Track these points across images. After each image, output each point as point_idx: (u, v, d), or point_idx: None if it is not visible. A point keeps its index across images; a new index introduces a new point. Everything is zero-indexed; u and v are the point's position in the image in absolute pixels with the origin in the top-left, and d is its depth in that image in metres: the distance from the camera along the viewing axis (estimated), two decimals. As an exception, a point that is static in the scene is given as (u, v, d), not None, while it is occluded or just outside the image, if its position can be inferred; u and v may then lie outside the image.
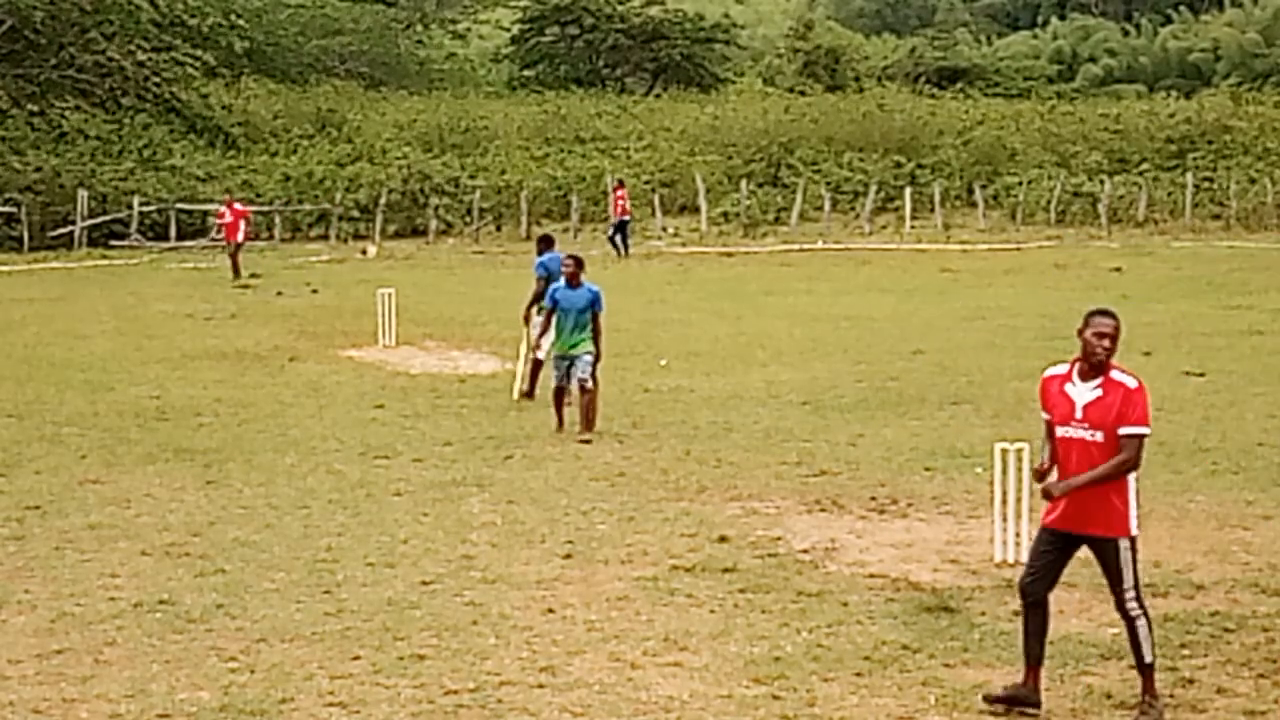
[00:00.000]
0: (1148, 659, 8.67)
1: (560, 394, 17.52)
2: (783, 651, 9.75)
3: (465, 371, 22.36)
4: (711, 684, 9.20)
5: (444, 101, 72.33)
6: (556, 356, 17.53)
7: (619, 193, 46.72)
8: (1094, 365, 8.80)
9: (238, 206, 39.46)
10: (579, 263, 17.77)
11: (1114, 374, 8.79)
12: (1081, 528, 8.71)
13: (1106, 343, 8.80)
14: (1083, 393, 8.75)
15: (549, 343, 18.46)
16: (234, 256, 37.89)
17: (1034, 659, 8.81)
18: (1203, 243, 48.01)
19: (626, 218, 46.22)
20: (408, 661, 9.62)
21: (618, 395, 20.03)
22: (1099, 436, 8.65)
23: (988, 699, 8.77)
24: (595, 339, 17.43)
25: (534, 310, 19.38)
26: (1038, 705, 8.73)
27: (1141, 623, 8.68)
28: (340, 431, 17.56)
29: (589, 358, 17.26)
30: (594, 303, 17.40)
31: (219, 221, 40.31)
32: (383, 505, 13.97)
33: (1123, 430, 8.64)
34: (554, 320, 17.55)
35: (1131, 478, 8.71)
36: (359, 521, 13.34)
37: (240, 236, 38.45)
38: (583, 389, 17.12)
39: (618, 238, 45.51)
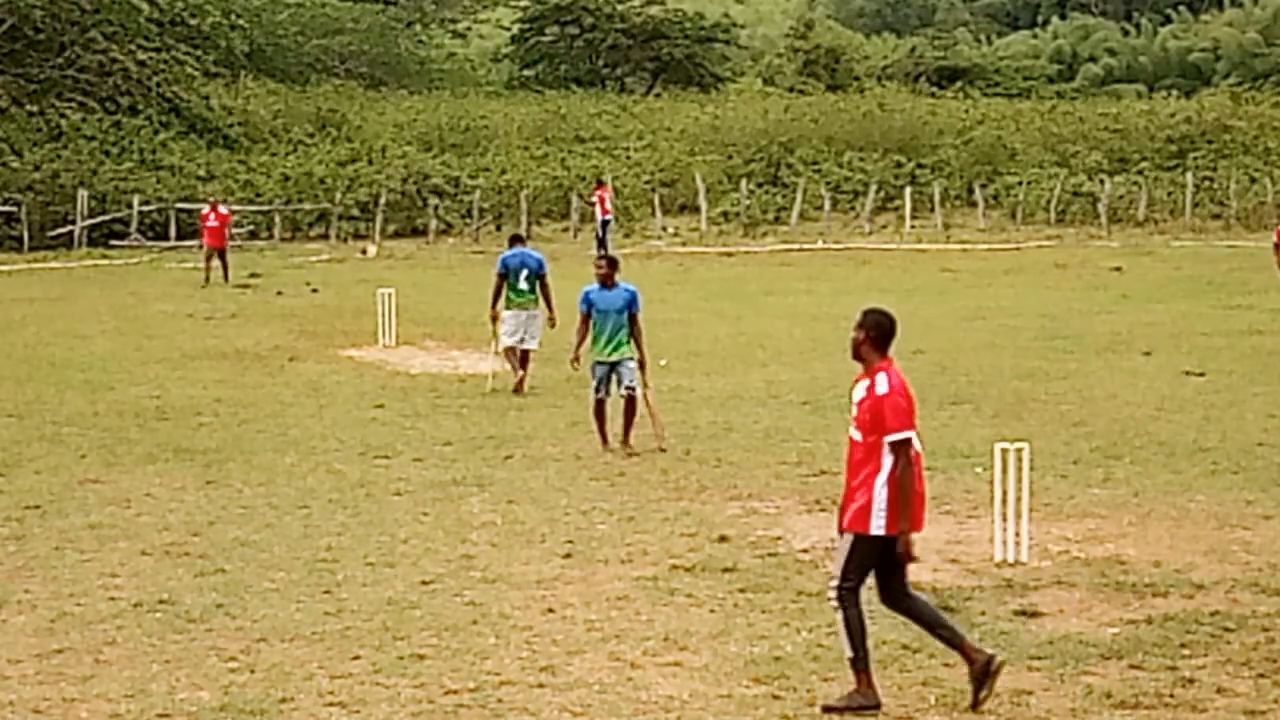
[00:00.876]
0: (846, 653, 8.78)
1: (601, 407, 16.47)
2: (783, 651, 9.75)
3: (465, 371, 22.37)
4: (711, 684, 9.20)
5: (444, 101, 72.34)
6: (595, 364, 16.48)
7: (600, 193, 46.76)
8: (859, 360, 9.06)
9: (222, 210, 38.14)
10: (613, 262, 16.99)
11: (879, 375, 8.89)
12: (847, 524, 8.84)
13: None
14: (857, 390, 8.99)
15: (507, 332, 20.73)
16: (223, 259, 36.67)
17: (956, 643, 8.90)
18: (1203, 242, 48.01)
19: (608, 217, 46.21)
20: (408, 661, 9.62)
21: (618, 396, 20.02)
22: (859, 436, 8.86)
23: (826, 710, 8.78)
24: (637, 342, 16.52)
25: (498, 307, 20.88)
26: (878, 705, 8.78)
27: (839, 615, 8.78)
28: (340, 431, 17.56)
29: (633, 363, 16.40)
30: (631, 303, 16.52)
31: (204, 224, 38.03)
32: (383, 505, 13.98)
33: (888, 438, 8.76)
34: (591, 326, 16.53)
35: (881, 479, 8.74)
36: (359, 521, 13.34)
37: (225, 241, 37.34)
38: (630, 398, 16.34)
39: (605, 237, 45.67)
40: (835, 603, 8.77)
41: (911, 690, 9.06)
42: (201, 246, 38.86)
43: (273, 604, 10.88)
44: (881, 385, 8.75)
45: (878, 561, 8.77)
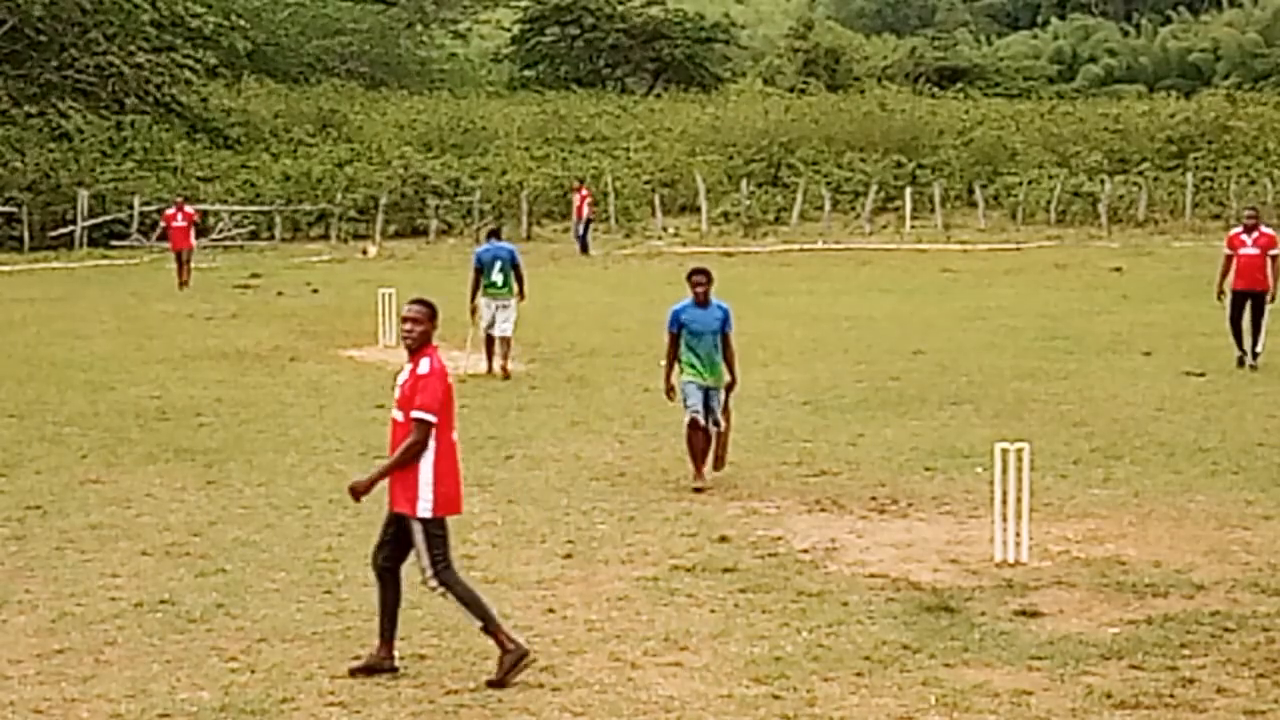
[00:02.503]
0: (475, 625, 9.32)
1: (697, 429, 14.74)
2: (783, 651, 9.76)
3: (465, 371, 22.34)
4: (712, 684, 9.21)
5: (444, 102, 72.36)
6: (691, 385, 14.75)
7: (582, 193, 46.95)
8: (408, 348, 9.69)
9: (189, 210, 36.83)
10: (710, 278, 15.11)
11: (423, 359, 9.61)
12: (394, 505, 9.44)
13: (406, 326, 9.78)
14: (402, 374, 9.65)
15: (484, 321, 22.14)
16: (186, 263, 35.11)
17: (385, 635, 9.42)
18: (1203, 242, 47.96)
19: (589, 219, 46.51)
20: (409, 661, 9.62)
21: (618, 396, 20.06)
22: (400, 417, 9.48)
23: (352, 672, 9.33)
24: (729, 364, 14.99)
25: (477, 298, 22.27)
26: (394, 669, 9.34)
27: (450, 597, 9.33)
28: (341, 431, 17.56)
29: (723, 393, 14.94)
30: (725, 322, 14.96)
31: (168, 224, 35.90)
32: (383, 505, 13.90)
33: (413, 414, 9.39)
34: (682, 346, 14.83)
35: (427, 461, 9.31)
36: (359, 521, 13.32)
37: (191, 242, 35.91)
38: (715, 428, 14.80)
39: (587, 238, 45.90)
40: (440, 590, 9.30)
41: (911, 690, 9.07)
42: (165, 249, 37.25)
43: (273, 604, 10.88)
44: (423, 367, 9.47)
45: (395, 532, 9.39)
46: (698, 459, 14.71)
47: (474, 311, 22.32)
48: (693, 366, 14.79)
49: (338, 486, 14.65)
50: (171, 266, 36.03)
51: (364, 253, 46.47)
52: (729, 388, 14.94)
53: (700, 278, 14.99)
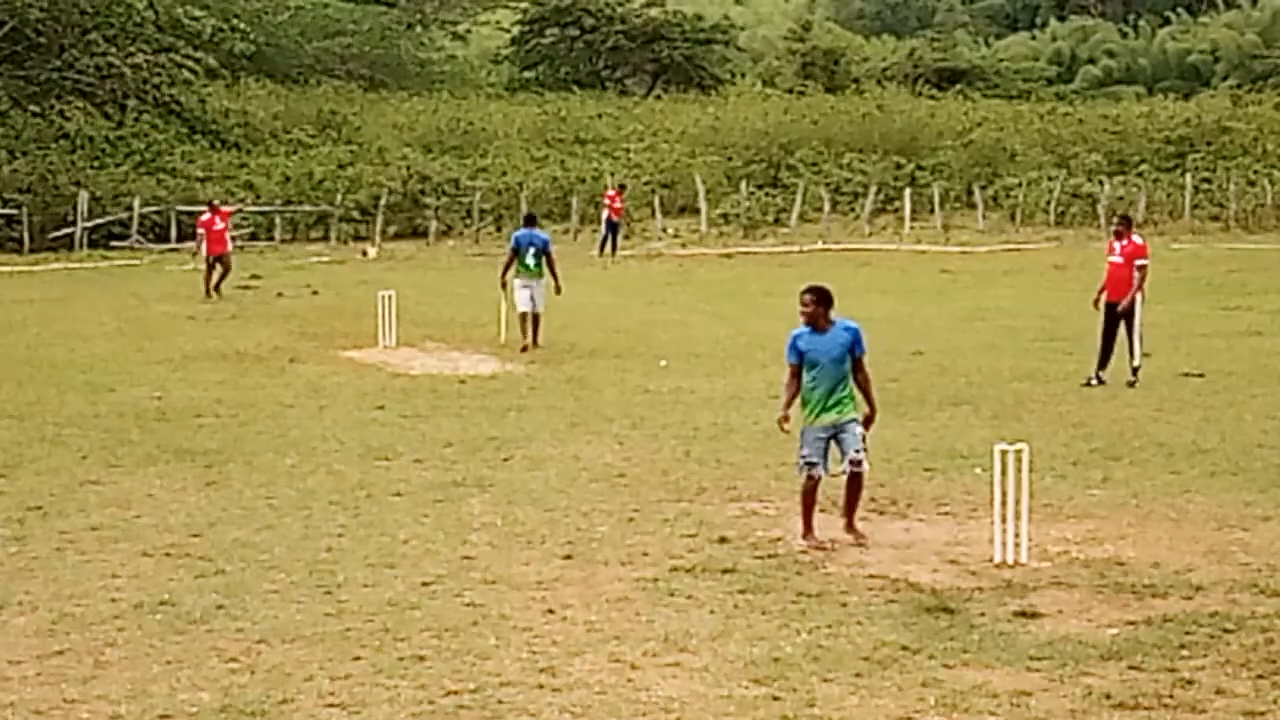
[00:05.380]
0: None
1: (814, 488, 12.59)
2: (782, 652, 9.76)
3: (465, 373, 22.38)
4: (711, 685, 9.21)
5: (444, 103, 72.40)
6: (809, 431, 12.60)
7: (611, 195, 47.38)
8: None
9: (225, 209, 36.18)
10: (821, 297, 12.61)
11: None
12: None
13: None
14: None
15: (521, 300, 24.59)
16: (228, 265, 34.02)
17: None
18: (1202, 244, 48.04)
19: (616, 220, 46.82)
20: (408, 662, 9.63)
21: (618, 396, 20.08)
22: None
23: None
24: (865, 393, 12.69)
25: (508, 274, 25.00)
26: None
27: None
28: (341, 432, 17.57)
29: (858, 427, 12.52)
30: (854, 345, 12.55)
31: (207, 229, 34.22)
32: (383, 506, 13.99)
33: None
34: (804, 379, 12.59)
35: None
36: (359, 522, 13.36)
37: (228, 247, 34.59)
38: (854, 468, 12.50)
39: (610, 237, 46.16)
40: None
41: (911, 691, 9.07)
42: (196, 253, 36.10)
43: (273, 605, 10.89)
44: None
45: None
46: (809, 511, 12.61)
47: (504, 285, 25.13)
48: (808, 404, 12.56)
49: (337, 488, 14.70)
50: (170, 268, 35.92)
51: (364, 254, 46.50)
52: (868, 421, 12.66)
53: (808, 297, 12.59)
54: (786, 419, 12.81)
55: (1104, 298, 21.18)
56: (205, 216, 34.98)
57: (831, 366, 12.50)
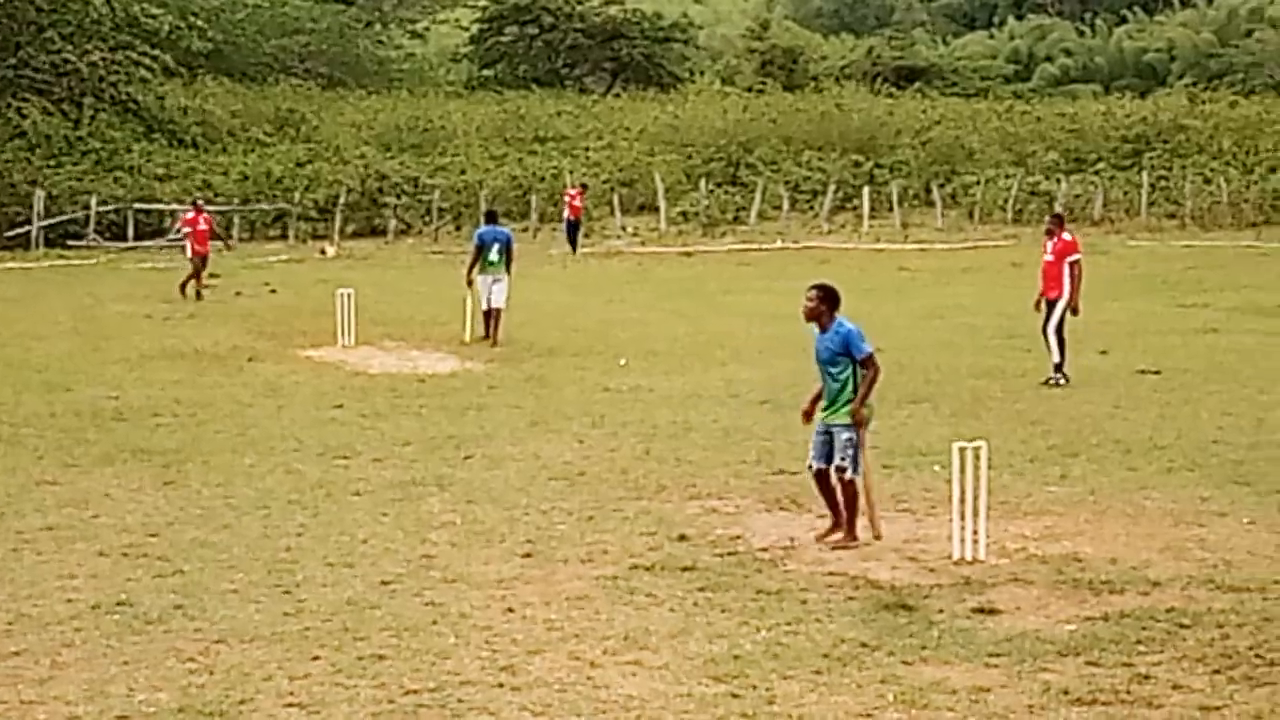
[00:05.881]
0: None
1: (820, 478, 12.55)
2: (742, 650, 9.77)
3: (424, 371, 22.35)
4: (671, 682, 9.22)
5: (403, 101, 72.20)
6: (816, 431, 12.65)
7: (571, 193, 47.47)
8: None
9: (207, 210, 35.64)
10: (826, 295, 12.53)
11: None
12: None
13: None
14: None
15: (482, 295, 25.18)
16: (204, 270, 33.32)
17: None
18: (1158, 241, 48.28)
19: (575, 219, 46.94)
20: (367, 661, 9.61)
21: (577, 395, 20.07)
22: None
23: None
24: (859, 388, 12.40)
25: (474, 272, 25.45)
26: None
27: None
28: (299, 431, 17.52)
29: (845, 433, 12.32)
30: (845, 347, 12.38)
31: (187, 228, 33.97)
32: (342, 505, 13.96)
33: None
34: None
35: None
36: (318, 522, 13.32)
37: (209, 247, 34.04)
38: (837, 474, 12.41)
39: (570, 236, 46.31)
40: None
41: (870, 688, 9.09)
42: (184, 250, 34.85)
43: (231, 605, 10.85)
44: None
45: None
46: (834, 503, 12.49)
47: (470, 283, 25.50)
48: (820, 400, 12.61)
49: (296, 487, 14.65)
50: (127, 267, 35.69)
51: (322, 252, 46.37)
52: (859, 424, 12.36)
53: (811, 294, 12.52)
54: (806, 414, 12.77)
55: (1043, 298, 21.21)
56: (189, 215, 34.62)
57: (822, 367, 12.52)
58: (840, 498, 12.44)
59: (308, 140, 61.57)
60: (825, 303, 12.47)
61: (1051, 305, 20.92)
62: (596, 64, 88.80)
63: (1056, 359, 20.61)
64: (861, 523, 12.49)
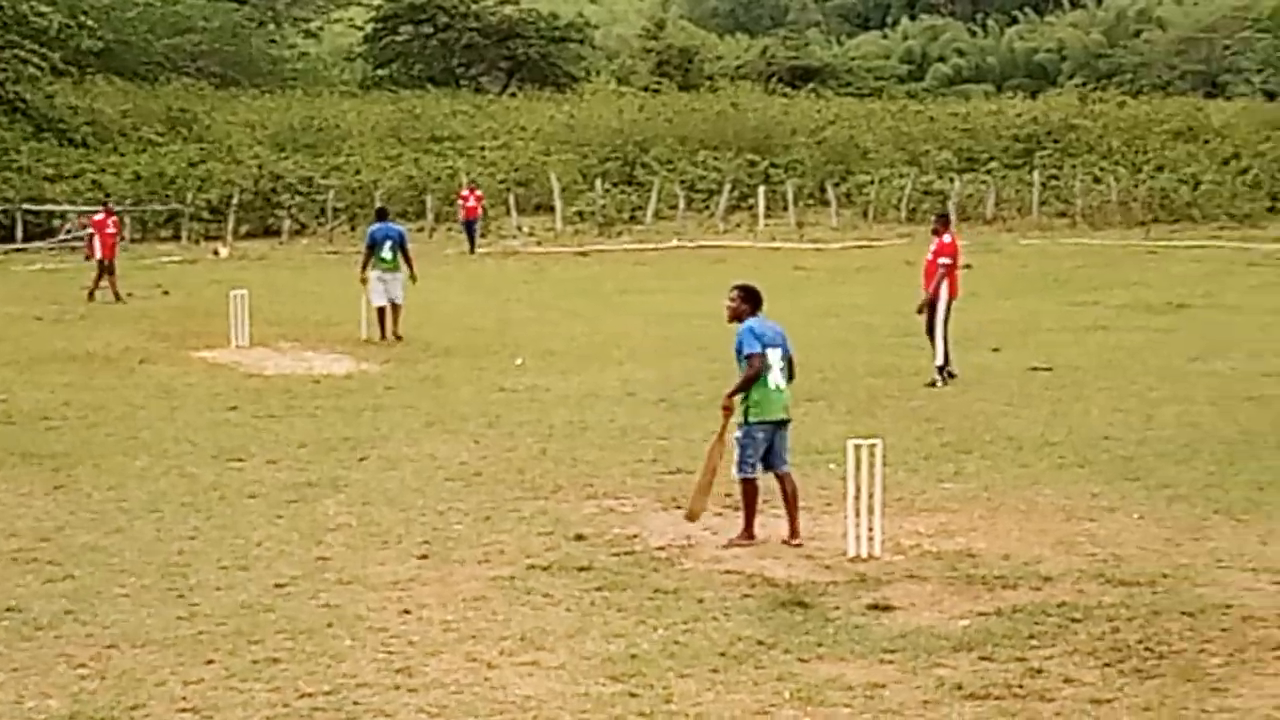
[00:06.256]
0: None
1: (755, 487, 12.63)
2: (639, 649, 9.79)
3: (320, 372, 22.20)
4: (568, 682, 9.22)
5: (297, 100, 71.70)
6: (757, 426, 12.63)
7: (463, 194, 47.48)
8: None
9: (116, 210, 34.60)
10: (747, 295, 12.78)
11: None
12: None
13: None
14: None
15: (376, 292, 25.31)
16: (113, 274, 32.50)
17: None
18: (1049, 240, 48.77)
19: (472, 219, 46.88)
20: (262, 665, 9.54)
21: (474, 395, 20.02)
22: None
23: None
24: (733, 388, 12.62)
25: (366, 270, 25.55)
26: None
27: None
28: (193, 434, 17.36)
29: (739, 432, 12.58)
30: (739, 346, 12.64)
31: (93, 230, 33.45)
32: (236, 508, 13.84)
33: None
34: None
35: None
36: (212, 525, 13.21)
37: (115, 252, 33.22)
38: (790, 478, 12.76)
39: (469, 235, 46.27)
40: None
41: (767, 685, 9.13)
42: (89, 258, 34.27)
43: (123, 610, 10.73)
44: None
45: None
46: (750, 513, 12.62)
47: (364, 281, 25.60)
48: (762, 401, 12.63)
49: (190, 490, 14.52)
50: (15, 269, 35.21)
51: (215, 253, 45.97)
52: (726, 413, 12.57)
53: (734, 293, 12.84)
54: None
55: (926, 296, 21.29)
56: (98, 217, 34.06)
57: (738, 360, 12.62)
58: (787, 495, 12.64)
59: (200, 140, 60.99)
60: (747, 302, 12.67)
61: (932, 305, 21.05)
62: (492, 63, 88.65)
63: (939, 361, 20.74)
64: (787, 521, 12.54)
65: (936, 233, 21.53)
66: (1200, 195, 55.75)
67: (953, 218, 52.36)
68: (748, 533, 12.49)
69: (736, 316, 12.69)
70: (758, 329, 12.52)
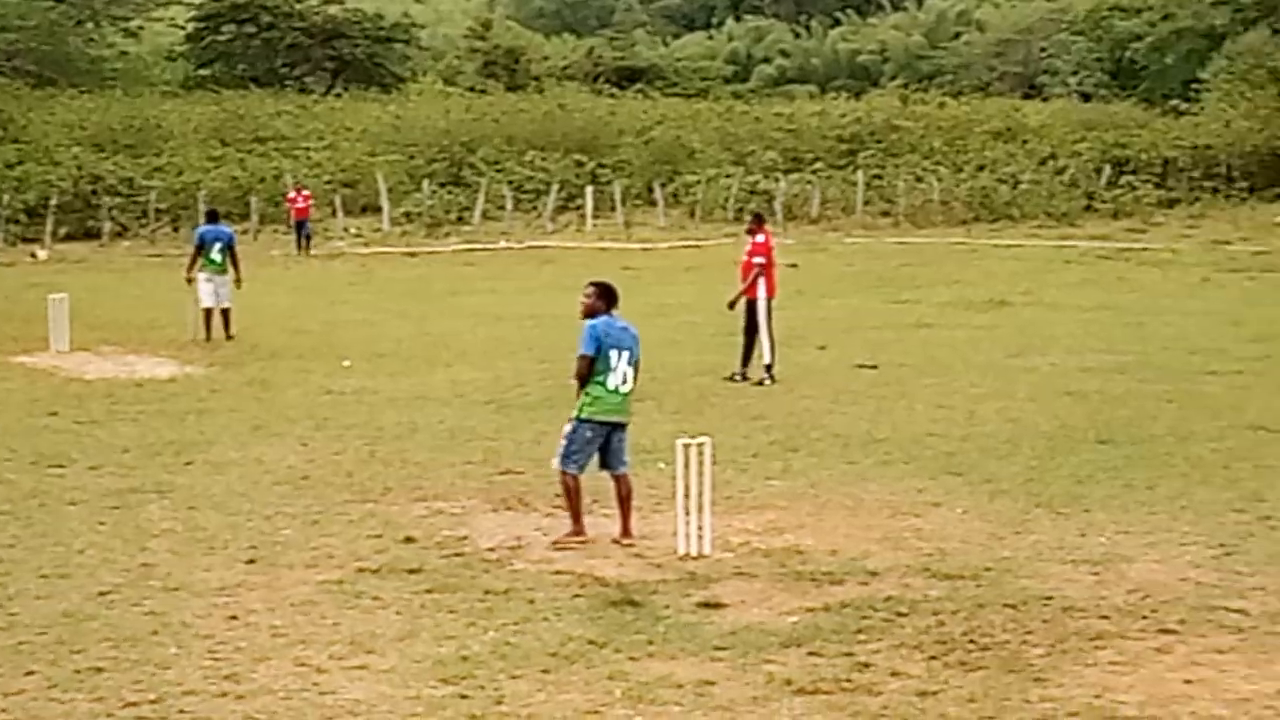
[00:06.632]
0: None
1: (579, 484, 12.59)
2: (470, 651, 9.76)
3: (143, 376, 21.85)
4: (399, 686, 9.17)
5: (117, 100, 70.46)
6: (590, 423, 12.59)
7: (293, 195, 47.06)
8: None
9: None
10: (599, 291, 12.69)
11: None
12: None
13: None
14: None
15: (206, 294, 25.18)
16: None
17: None
18: (873, 239, 49.40)
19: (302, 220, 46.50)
20: (85, 675, 9.37)
21: (301, 398, 19.83)
22: None
23: None
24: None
25: (193, 271, 25.49)
26: None
27: None
28: (11, 440, 16.99)
29: (567, 425, 12.71)
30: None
31: None
32: (57, 515, 13.58)
33: None
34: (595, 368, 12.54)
35: None
36: (32, 533, 12.94)
37: None
38: (625, 479, 12.79)
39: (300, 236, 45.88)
40: None
41: (598, 685, 9.15)
42: None
43: (-59, 621, 10.49)
44: None
45: None
46: (579, 509, 12.59)
47: (190, 281, 25.53)
48: (602, 397, 12.61)
49: (8, 497, 14.22)
50: None
51: (33, 256, 45.09)
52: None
53: (587, 289, 12.74)
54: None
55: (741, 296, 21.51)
56: None
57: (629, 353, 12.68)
58: (624, 495, 12.67)
59: (16, 140, 59.70)
60: (601, 299, 12.62)
61: (752, 305, 21.24)
62: (317, 64, 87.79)
63: (767, 360, 20.94)
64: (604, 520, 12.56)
65: (751, 232, 21.79)
66: (1019, 194, 56.82)
67: (779, 217, 53.17)
68: (576, 529, 12.49)
69: (590, 313, 12.58)
70: (602, 330, 12.51)
